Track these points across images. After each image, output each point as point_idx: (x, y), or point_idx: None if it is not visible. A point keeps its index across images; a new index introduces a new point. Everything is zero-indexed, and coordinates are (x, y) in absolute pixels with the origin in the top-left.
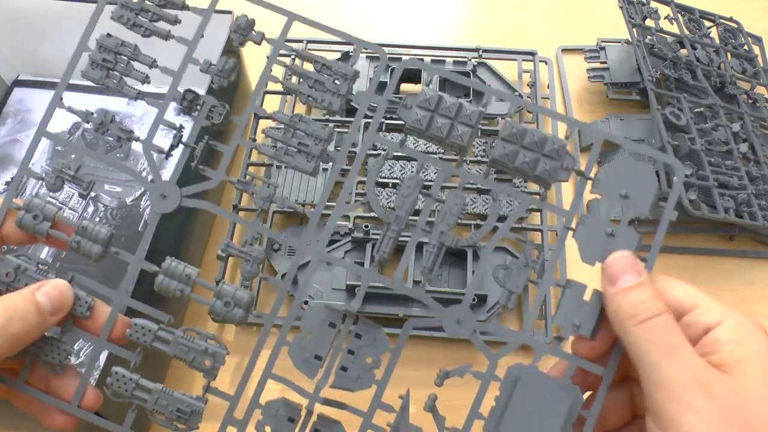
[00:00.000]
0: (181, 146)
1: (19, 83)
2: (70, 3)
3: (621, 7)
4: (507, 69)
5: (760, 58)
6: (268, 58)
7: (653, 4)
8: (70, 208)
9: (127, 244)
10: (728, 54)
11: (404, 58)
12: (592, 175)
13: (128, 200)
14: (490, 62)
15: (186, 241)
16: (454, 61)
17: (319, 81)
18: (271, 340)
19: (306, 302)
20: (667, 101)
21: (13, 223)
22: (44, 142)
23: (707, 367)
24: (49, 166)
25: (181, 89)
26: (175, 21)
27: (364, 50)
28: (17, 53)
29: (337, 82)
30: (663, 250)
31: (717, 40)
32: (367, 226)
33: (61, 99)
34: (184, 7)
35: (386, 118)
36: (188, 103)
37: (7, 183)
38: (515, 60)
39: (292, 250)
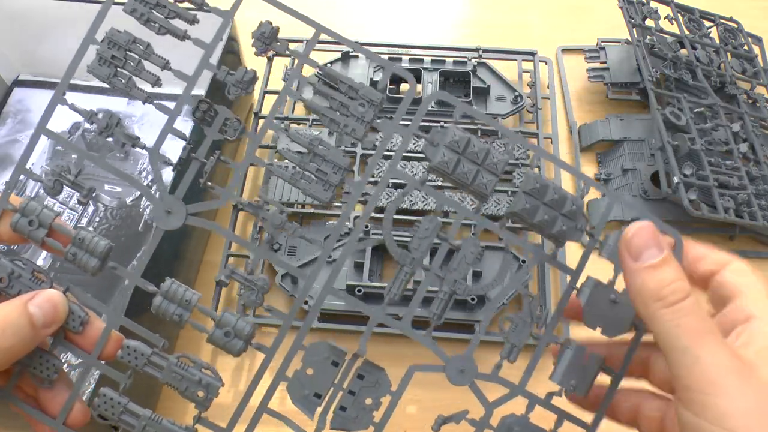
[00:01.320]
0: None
1: (19, 83)
2: (70, 3)
3: (621, 7)
4: (507, 69)
5: (760, 58)
6: (288, 74)
7: (653, 4)
8: (70, 208)
9: (126, 244)
10: (728, 54)
11: (404, 58)
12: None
13: (128, 200)
14: (490, 62)
15: (186, 242)
16: (454, 61)
17: (344, 104)
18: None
19: (306, 302)
20: (667, 101)
21: (8, 224)
22: (44, 142)
23: (739, 354)
24: (49, 167)
25: (178, 91)
26: (193, 21)
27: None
28: (17, 53)
29: (362, 107)
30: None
31: (717, 40)
32: (367, 226)
33: (64, 95)
34: (204, 6)
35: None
36: (201, 113)
37: (7, 183)
38: (515, 60)
39: (292, 250)
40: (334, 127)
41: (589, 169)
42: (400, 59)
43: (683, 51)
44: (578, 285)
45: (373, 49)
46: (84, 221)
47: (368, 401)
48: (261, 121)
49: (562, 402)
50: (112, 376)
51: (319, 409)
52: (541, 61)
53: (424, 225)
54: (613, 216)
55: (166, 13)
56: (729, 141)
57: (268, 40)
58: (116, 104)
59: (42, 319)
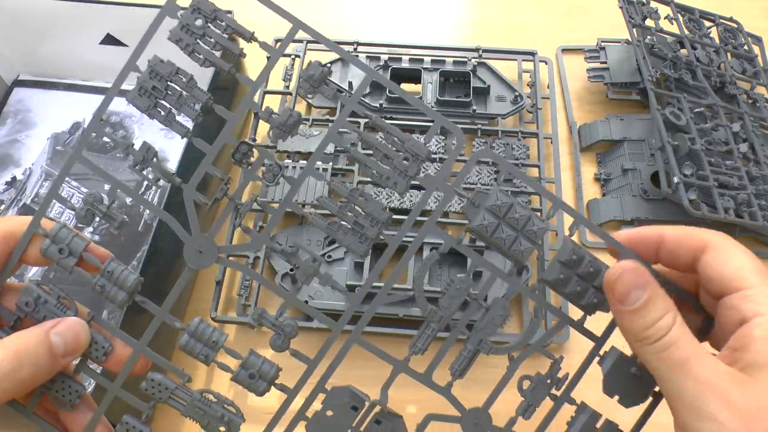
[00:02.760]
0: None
1: (19, 83)
2: (71, 3)
3: (621, 7)
4: (507, 69)
5: (760, 58)
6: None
7: (653, 4)
8: (69, 208)
9: (126, 245)
10: (728, 54)
11: (404, 58)
12: None
13: (128, 200)
14: (490, 62)
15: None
16: (454, 61)
17: (387, 156)
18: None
19: (306, 302)
20: (667, 101)
21: (37, 248)
22: (44, 143)
23: (726, 372)
24: (50, 167)
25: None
26: (240, 54)
27: (363, 51)
28: (17, 53)
29: (406, 161)
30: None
31: (717, 40)
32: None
33: (102, 120)
34: (252, 39)
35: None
36: (241, 155)
37: (7, 183)
38: (515, 60)
39: (292, 249)
40: (375, 178)
41: (589, 169)
42: (400, 59)
43: (683, 51)
44: (601, 353)
45: (373, 49)
46: None
47: None
48: (261, 122)
49: None
50: (135, 405)
51: None
52: (541, 61)
53: (456, 284)
54: (613, 216)
55: (212, 44)
56: (729, 141)
57: (316, 83)
58: (116, 104)
59: (63, 348)
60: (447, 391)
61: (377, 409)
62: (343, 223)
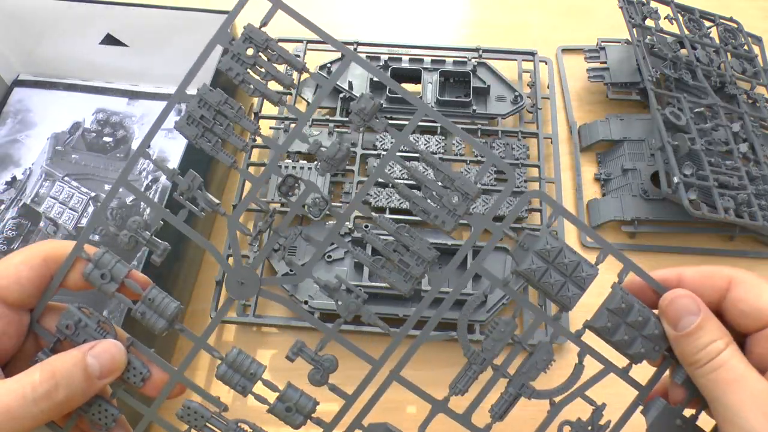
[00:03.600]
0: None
1: (19, 83)
2: (71, 3)
3: (621, 7)
4: (507, 69)
5: (760, 58)
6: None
7: (653, 4)
8: (70, 208)
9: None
10: (728, 54)
11: (404, 58)
12: None
13: (128, 200)
14: (490, 62)
15: (186, 242)
16: (454, 61)
17: (438, 194)
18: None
19: (306, 302)
20: (667, 101)
21: (79, 272)
22: (44, 143)
23: None
24: (50, 167)
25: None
26: (290, 85)
27: (363, 51)
28: (17, 53)
29: (455, 199)
30: (663, 250)
31: (717, 40)
32: (367, 226)
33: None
34: (304, 71)
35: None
36: (287, 188)
37: (7, 183)
38: (515, 60)
39: (292, 250)
40: (423, 216)
41: (589, 169)
42: (400, 59)
43: (683, 51)
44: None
45: (373, 49)
46: (84, 221)
47: None
48: (261, 122)
49: None
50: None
51: None
52: (541, 61)
53: (501, 327)
54: (613, 216)
55: (263, 74)
56: (729, 141)
57: (367, 116)
58: (116, 104)
59: (98, 371)
60: None
61: None
62: (390, 260)
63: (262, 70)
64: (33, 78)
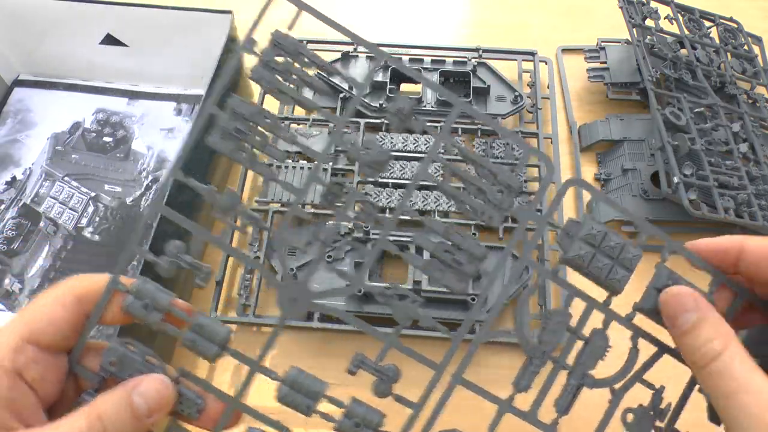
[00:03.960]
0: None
1: (19, 83)
2: (71, 3)
3: (621, 7)
4: (507, 69)
5: (760, 58)
6: None
7: (653, 4)
8: (70, 208)
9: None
10: (728, 54)
11: (404, 58)
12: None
13: (128, 200)
14: (490, 62)
15: (186, 242)
16: (454, 61)
17: (481, 190)
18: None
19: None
20: (667, 101)
21: (117, 306)
22: (44, 143)
23: None
24: (50, 167)
25: (181, 91)
26: (322, 91)
27: (363, 51)
28: (17, 53)
29: (500, 194)
30: (663, 250)
31: (717, 40)
32: (367, 226)
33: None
34: (334, 73)
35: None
36: (332, 197)
37: (7, 183)
38: (515, 60)
39: (292, 250)
40: (470, 213)
41: (589, 169)
42: (400, 59)
43: (683, 51)
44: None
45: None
46: (84, 221)
47: None
48: None
49: None
50: None
51: None
52: (541, 61)
53: (555, 317)
54: (613, 216)
55: (296, 81)
56: (729, 141)
57: (406, 117)
58: (116, 104)
59: (146, 409)
60: (553, 429)
61: None
62: (442, 261)
63: (294, 77)
64: (33, 78)
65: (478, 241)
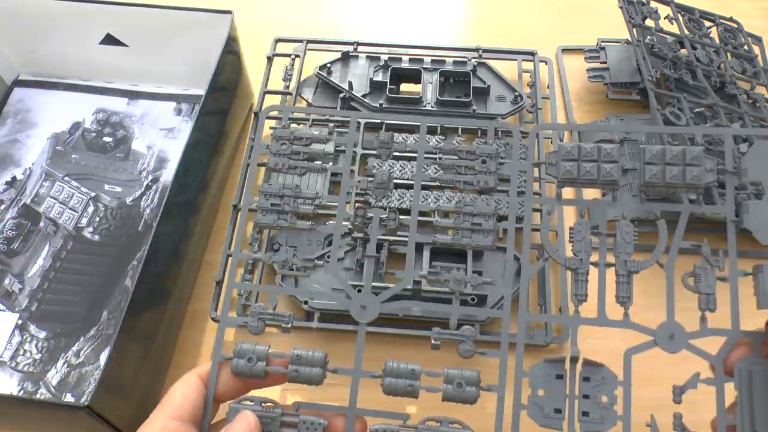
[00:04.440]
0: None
1: (19, 83)
2: (70, 3)
3: (621, 7)
4: (507, 69)
5: (760, 58)
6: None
7: (653, 4)
8: (70, 208)
9: (127, 244)
10: (728, 54)
11: (404, 58)
12: None
13: (128, 200)
14: (490, 62)
15: (186, 241)
16: (454, 61)
17: (468, 167)
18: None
19: (306, 302)
20: (667, 101)
21: (227, 376)
22: (44, 142)
23: None
24: (50, 167)
25: (181, 91)
26: (323, 158)
27: (363, 51)
28: (17, 53)
29: (483, 162)
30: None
31: (717, 40)
32: (367, 227)
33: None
34: (332, 132)
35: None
36: (361, 220)
37: (7, 183)
38: (515, 60)
39: (293, 249)
40: (468, 187)
41: None
42: (400, 59)
43: (683, 51)
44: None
45: (373, 49)
46: (84, 221)
47: (604, 399)
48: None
49: None
50: None
51: (565, 423)
52: (541, 61)
53: (577, 229)
54: (614, 216)
55: (301, 157)
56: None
57: (387, 145)
58: (116, 104)
59: None
60: (628, 322)
61: (579, 366)
62: (464, 230)
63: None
64: (33, 78)
65: (484, 200)
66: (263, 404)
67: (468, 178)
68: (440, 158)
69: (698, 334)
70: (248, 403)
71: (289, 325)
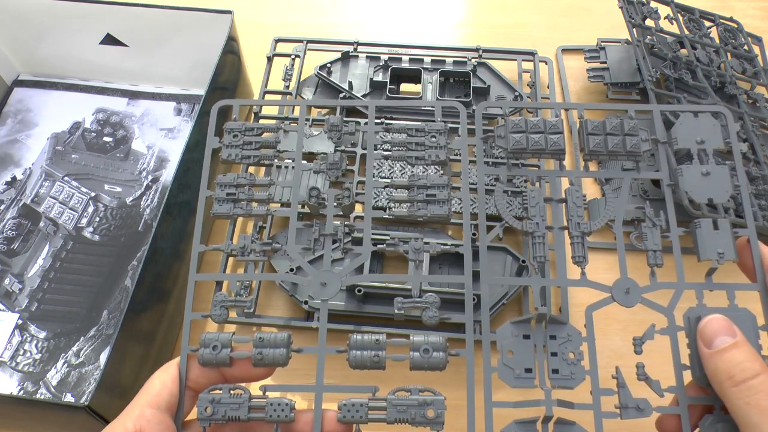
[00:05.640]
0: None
1: (19, 83)
2: (71, 3)
3: (621, 7)
4: (507, 69)
5: (760, 58)
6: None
7: (653, 4)
8: (70, 208)
9: (127, 244)
10: (728, 54)
11: (404, 58)
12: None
13: (128, 200)
14: (490, 62)
15: (186, 242)
16: (454, 61)
17: (418, 143)
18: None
19: (306, 302)
20: (667, 101)
21: (195, 366)
22: (44, 142)
23: None
24: (50, 167)
25: (181, 91)
26: (274, 146)
27: (363, 51)
28: (17, 53)
29: (434, 138)
30: (663, 250)
31: (717, 40)
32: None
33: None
34: (282, 127)
35: (387, 118)
36: (315, 200)
37: (7, 183)
38: (515, 60)
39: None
40: (421, 162)
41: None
42: (400, 59)
43: (683, 51)
44: None
45: (373, 49)
46: (84, 221)
47: (571, 355)
48: (260, 121)
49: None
50: None
51: (536, 381)
52: (541, 61)
53: (531, 194)
54: (614, 216)
55: (256, 146)
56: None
57: (337, 127)
58: (116, 104)
59: None
60: (585, 280)
61: (543, 325)
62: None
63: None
64: (33, 78)
65: (437, 174)
66: (231, 391)
67: (419, 153)
68: (391, 137)
69: (650, 288)
70: (218, 392)
71: (251, 310)
